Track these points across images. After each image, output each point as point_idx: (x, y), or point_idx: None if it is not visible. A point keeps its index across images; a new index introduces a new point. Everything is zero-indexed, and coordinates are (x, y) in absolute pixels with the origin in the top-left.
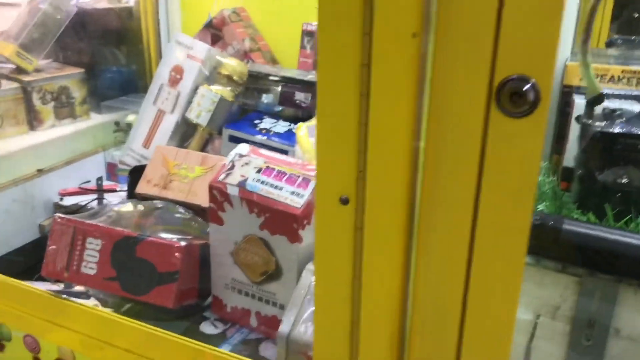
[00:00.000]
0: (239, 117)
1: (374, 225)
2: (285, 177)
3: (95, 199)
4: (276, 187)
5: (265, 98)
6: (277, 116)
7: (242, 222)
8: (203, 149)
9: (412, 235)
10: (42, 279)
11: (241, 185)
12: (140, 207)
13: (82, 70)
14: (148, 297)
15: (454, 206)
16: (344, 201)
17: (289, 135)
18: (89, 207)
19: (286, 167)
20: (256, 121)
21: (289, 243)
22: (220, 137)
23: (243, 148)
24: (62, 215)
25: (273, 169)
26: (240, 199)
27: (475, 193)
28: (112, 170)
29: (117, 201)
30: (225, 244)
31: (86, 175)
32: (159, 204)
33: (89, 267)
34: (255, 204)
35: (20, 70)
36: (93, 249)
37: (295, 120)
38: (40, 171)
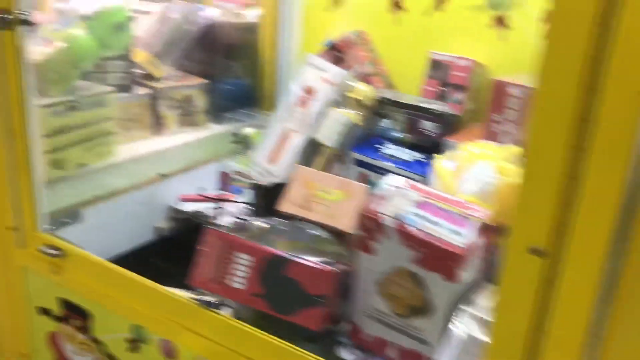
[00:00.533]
0: (360, 142)
1: (568, 283)
2: (444, 214)
3: (214, 208)
4: (435, 223)
5: (389, 123)
6: (399, 143)
7: (393, 254)
8: (325, 170)
9: (610, 299)
10: (181, 285)
11: (398, 217)
12: (282, 226)
13: (206, 81)
14: (294, 317)
15: None
16: (537, 252)
17: (414, 164)
18: (208, 215)
19: (445, 204)
20: (379, 146)
21: (443, 281)
22: (342, 160)
23: (396, 180)
24: (214, 228)
25: (431, 205)
26: (395, 231)
27: None
28: (224, 179)
29: (258, 218)
30: (371, 273)
31: (201, 182)
32: (299, 224)
33: (238, 281)
34: (412, 238)
35: (149, 76)
36: (243, 264)
37: (418, 149)
38: (162, 176)
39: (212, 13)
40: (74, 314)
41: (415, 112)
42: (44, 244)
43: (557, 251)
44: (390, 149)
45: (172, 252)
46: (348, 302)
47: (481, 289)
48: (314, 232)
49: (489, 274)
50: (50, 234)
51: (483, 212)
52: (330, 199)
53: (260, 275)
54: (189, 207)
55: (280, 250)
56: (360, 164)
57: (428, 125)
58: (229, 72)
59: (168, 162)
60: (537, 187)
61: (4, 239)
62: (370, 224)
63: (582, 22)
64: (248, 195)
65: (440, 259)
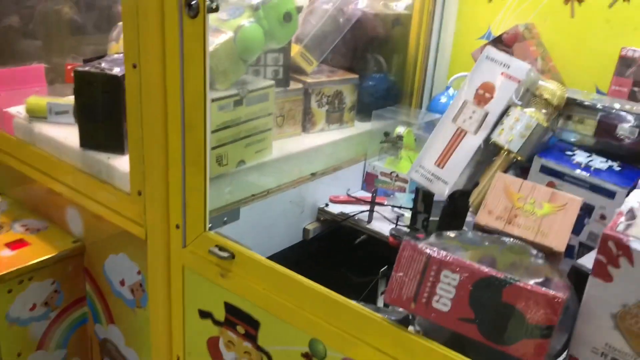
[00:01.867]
0: (546, 147)
1: None
2: None
3: (364, 211)
4: None
5: (576, 127)
6: (587, 149)
7: None
8: None
9: None
10: (369, 299)
11: None
12: (486, 241)
13: (356, 76)
14: (511, 348)
15: None
16: None
17: (612, 174)
18: (357, 218)
19: None
20: (568, 152)
21: None
22: (517, 167)
23: None
24: (413, 242)
25: None
26: None
27: None
28: (370, 180)
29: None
30: (607, 304)
31: (346, 183)
32: (506, 240)
33: (442, 302)
34: None
35: (299, 70)
36: (449, 283)
37: (610, 156)
38: (313, 175)
39: (362, 4)
40: (240, 320)
41: (610, 114)
42: (213, 245)
43: None
44: (579, 156)
45: (320, 255)
46: (562, 334)
47: None
48: (536, 256)
49: None
50: (219, 234)
51: None
52: (538, 213)
53: (470, 297)
54: (338, 208)
55: (490, 269)
56: (548, 171)
57: (626, 130)
58: (375, 67)
59: (317, 161)
60: None
61: (170, 237)
62: (614, 248)
63: None
64: (399, 199)
65: None
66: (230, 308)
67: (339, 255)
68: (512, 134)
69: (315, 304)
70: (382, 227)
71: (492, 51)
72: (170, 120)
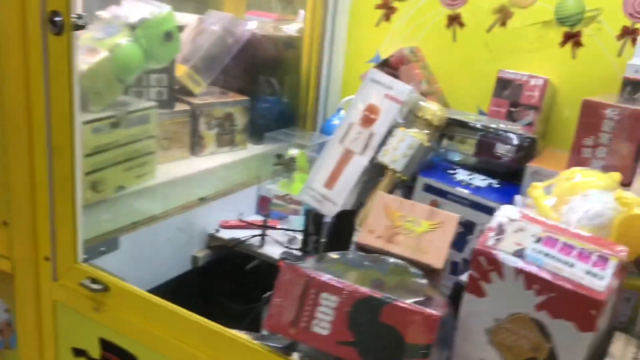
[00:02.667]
0: (429, 166)
1: None
2: (574, 252)
3: (256, 235)
4: (565, 262)
5: (458, 147)
6: (469, 167)
7: (511, 298)
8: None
9: None
10: (252, 328)
11: (519, 255)
12: (366, 261)
13: (247, 98)
14: None
15: None
16: None
17: (492, 191)
18: (250, 243)
19: (572, 240)
20: (450, 171)
21: (577, 331)
22: (402, 186)
23: (512, 210)
24: (291, 263)
25: (556, 240)
26: (516, 272)
27: None
28: (264, 204)
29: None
30: (481, 319)
31: (238, 207)
32: (386, 259)
33: (321, 326)
34: (538, 280)
35: (186, 92)
36: (327, 305)
37: (490, 174)
38: (202, 200)
39: (252, 26)
40: (116, 357)
41: (488, 134)
42: (86, 277)
43: None
44: (461, 174)
45: (210, 284)
46: (444, 351)
47: (613, 338)
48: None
49: (617, 320)
50: (91, 266)
51: (618, 249)
52: (417, 231)
53: (349, 320)
54: (229, 234)
55: (368, 289)
56: (431, 189)
57: (503, 149)
58: (268, 89)
59: (206, 185)
60: None
61: (39, 271)
62: (485, 263)
63: None
64: (293, 222)
65: (573, 305)
66: (106, 344)
67: (230, 282)
68: (396, 154)
69: (194, 335)
70: (274, 251)
71: (376, 73)
72: (36, 145)
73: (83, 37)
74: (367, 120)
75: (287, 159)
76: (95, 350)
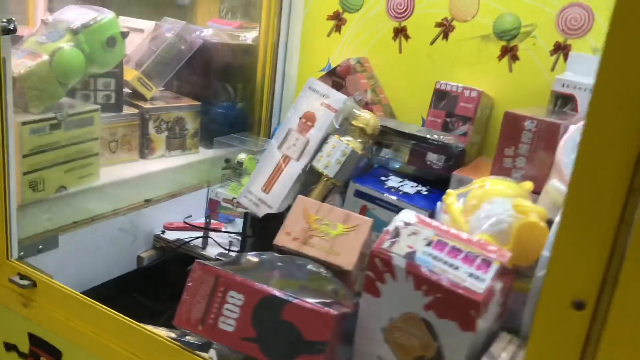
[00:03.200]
0: (362, 173)
1: (615, 340)
2: (461, 255)
3: (199, 237)
4: (451, 265)
5: (391, 154)
6: (402, 175)
7: (403, 298)
8: (323, 201)
9: None
10: (167, 324)
11: (410, 257)
12: (279, 262)
13: (198, 103)
14: None
15: None
16: (578, 306)
17: (417, 198)
18: (194, 245)
19: (461, 244)
20: (382, 178)
21: (459, 330)
22: (339, 191)
23: (408, 215)
24: (203, 262)
25: (446, 244)
26: (406, 273)
27: None
28: (213, 207)
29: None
30: (377, 318)
31: (188, 209)
32: (298, 260)
33: (227, 323)
34: (425, 281)
35: (138, 96)
36: (234, 303)
37: (422, 181)
38: (147, 201)
39: (207, 33)
40: (43, 351)
41: (420, 143)
42: (14, 274)
43: (600, 305)
44: (392, 181)
45: (154, 285)
46: (348, 349)
47: (497, 338)
48: (312, 268)
49: (505, 321)
50: (22, 263)
51: (502, 254)
52: (332, 234)
53: (253, 317)
54: (174, 235)
55: (274, 289)
56: (361, 195)
57: (433, 158)
58: (223, 95)
59: (154, 187)
60: (586, 233)
61: None
62: (380, 264)
63: None
64: (239, 225)
65: (456, 305)
66: (33, 339)
67: (172, 283)
68: (329, 160)
69: (115, 332)
70: (217, 252)
71: (314, 83)
72: None
73: (28, 41)
74: (304, 127)
75: (234, 163)
76: (24, 345)
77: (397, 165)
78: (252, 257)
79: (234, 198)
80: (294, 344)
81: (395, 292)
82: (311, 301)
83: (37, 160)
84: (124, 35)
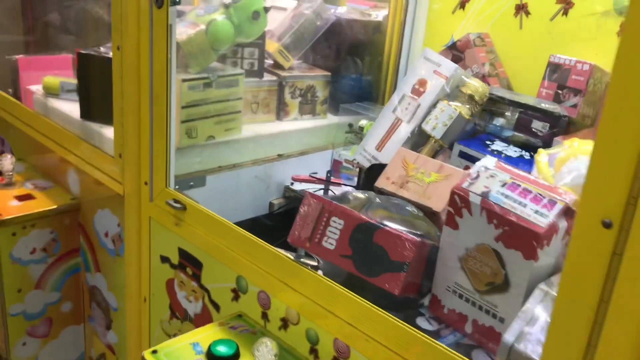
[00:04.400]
0: (471, 136)
1: (636, 255)
2: (530, 196)
3: (321, 189)
4: (520, 203)
5: (501, 122)
6: (508, 141)
7: (477, 231)
8: None
9: None
10: (283, 246)
11: (484, 195)
12: (378, 199)
13: (329, 73)
14: (377, 280)
15: None
16: (607, 225)
17: (519, 161)
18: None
19: (533, 186)
20: (487, 142)
21: (523, 259)
22: (449, 152)
23: (489, 161)
24: (313, 193)
25: (519, 185)
26: (480, 208)
27: None
28: (336, 167)
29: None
30: (455, 248)
31: (314, 167)
32: (394, 199)
33: (329, 242)
34: (496, 215)
35: (278, 66)
36: (335, 227)
37: (526, 147)
38: (280, 156)
39: (341, 11)
40: (188, 263)
41: (527, 111)
42: (171, 198)
43: (628, 224)
44: (497, 145)
45: (282, 228)
46: (432, 277)
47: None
48: (411, 209)
49: None
50: (177, 191)
51: (570, 197)
52: (426, 180)
53: (350, 239)
54: (300, 187)
55: (372, 217)
56: (465, 156)
57: (538, 125)
58: (352, 67)
59: (286, 145)
60: (613, 156)
61: (141, 193)
62: (459, 201)
63: None
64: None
65: (521, 237)
66: (182, 252)
67: None
68: (437, 123)
69: (242, 247)
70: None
71: (428, 52)
72: (142, 95)
73: (190, 13)
74: (417, 92)
75: (356, 128)
76: (175, 258)
77: (504, 132)
78: (356, 194)
79: (354, 159)
80: (381, 262)
81: (471, 225)
82: (399, 228)
83: (193, 112)
84: (267, 10)
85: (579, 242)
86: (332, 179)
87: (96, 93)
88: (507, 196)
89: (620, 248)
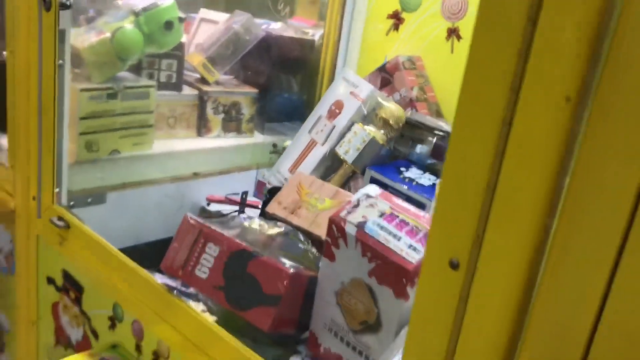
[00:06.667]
0: (386, 162)
1: (482, 296)
2: (406, 228)
3: (236, 211)
4: (394, 235)
5: (419, 148)
6: (425, 168)
7: (352, 264)
8: (343, 186)
9: (525, 315)
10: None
11: (360, 225)
12: (266, 227)
13: (256, 90)
14: (248, 314)
15: (580, 296)
16: (454, 265)
17: (432, 190)
18: (228, 217)
19: (410, 218)
20: (402, 169)
21: (394, 297)
22: (361, 178)
23: (372, 189)
24: (192, 216)
25: (396, 216)
26: (355, 239)
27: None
28: (260, 188)
29: (246, 216)
30: (332, 281)
31: (236, 187)
32: (283, 228)
33: (202, 270)
34: (369, 248)
35: (203, 80)
36: (210, 254)
37: None
38: (196, 174)
39: (275, 27)
40: (71, 286)
41: (445, 139)
42: (56, 216)
43: (473, 263)
44: (412, 173)
45: None
46: (311, 310)
47: None
48: (303, 243)
49: None
50: (65, 208)
51: None
52: (319, 207)
53: (224, 267)
54: (214, 207)
55: (247, 245)
56: (376, 183)
57: None
58: (282, 85)
59: (205, 163)
60: (458, 194)
61: (29, 208)
62: (335, 230)
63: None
64: None
65: (391, 272)
66: (65, 274)
67: None
68: (349, 147)
69: (121, 273)
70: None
71: (346, 72)
72: (31, 103)
73: (98, 21)
74: (332, 114)
75: (280, 148)
76: (59, 279)
77: (420, 158)
78: (245, 222)
79: (267, 181)
80: (254, 295)
81: (346, 257)
82: (279, 260)
83: (94, 124)
84: (181, 20)
85: (427, 280)
86: (250, 201)
87: None
88: (382, 227)
89: (466, 291)
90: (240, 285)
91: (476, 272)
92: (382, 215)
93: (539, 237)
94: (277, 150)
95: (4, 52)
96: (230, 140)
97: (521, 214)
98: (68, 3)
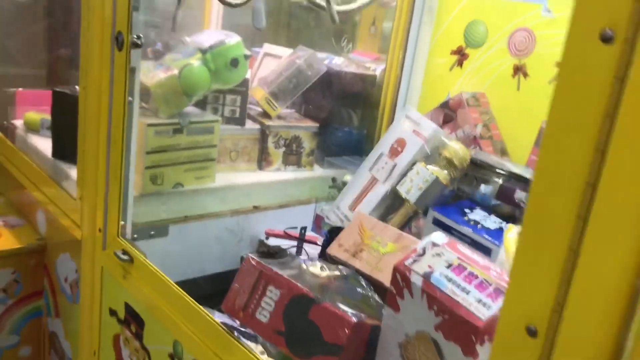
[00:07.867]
0: (449, 202)
1: None
2: (475, 281)
3: (294, 246)
4: (463, 289)
5: (484, 189)
6: (490, 210)
7: (418, 316)
8: (405, 225)
9: None
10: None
11: (426, 276)
12: (326, 271)
13: (317, 124)
14: None
15: None
16: (531, 332)
17: (499, 234)
18: (287, 253)
19: (479, 271)
20: (466, 210)
21: (462, 355)
22: (424, 218)
23: (439, 237)
24: (253, 257)
25: (464, 268)
26: (421, 291)
27: None
28: (318, 222)
29: (307, 258)
30: (396, 333)
31: (295, 221)
32: (344, 271)
33: (263, 314)
34: (436, 301)
35: (265, 114)
36: (271, 297)
37: (509, 219)
38: (256, 208)
39: (337, 62)
40: (133, 320)
41: (511, 180)
42: (120, 249)
43: (552, 331)
44: (476, 215)
45: None
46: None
47: None
48: (364, 288)
49: None
50: (129, 242)
51: None
52: (382, 251)
53: (285, 312)
54: (273, 242)
55: (310, 290)
56: (439, 224)
57: (522, 196)
58: (343, 120)
59: (265, 196)
60: (537, 257)
61: (95, 240)
62: (400, 280)
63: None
64: None
65: (459, 328)
66: (127, 308)
67: None
68: (411, 186)
69: (182, 310)
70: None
71: (409, 110)
72: (101, 137)
73: (167, 57)
74: (394, 152)
75: (339, 183)
76: (122, 312)
77: (485, 199)
78: (303, 264)
79: (326, 217)
80: (315, 342)
81: (411, 309)
82: (340, 307)
83: (159, 158)
84: (247, 57)
85: (501, 346)
86: (308, 236)
87: (67, 132)
88: (450, 279)
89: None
90: (301, 331)
91: (556, 341)
92: (449, 266)
93: (626, 302)
94: (336, 185)
95: (77, 87)
96: (290, 174)
97: (607, 280)
98: (139, 42)
